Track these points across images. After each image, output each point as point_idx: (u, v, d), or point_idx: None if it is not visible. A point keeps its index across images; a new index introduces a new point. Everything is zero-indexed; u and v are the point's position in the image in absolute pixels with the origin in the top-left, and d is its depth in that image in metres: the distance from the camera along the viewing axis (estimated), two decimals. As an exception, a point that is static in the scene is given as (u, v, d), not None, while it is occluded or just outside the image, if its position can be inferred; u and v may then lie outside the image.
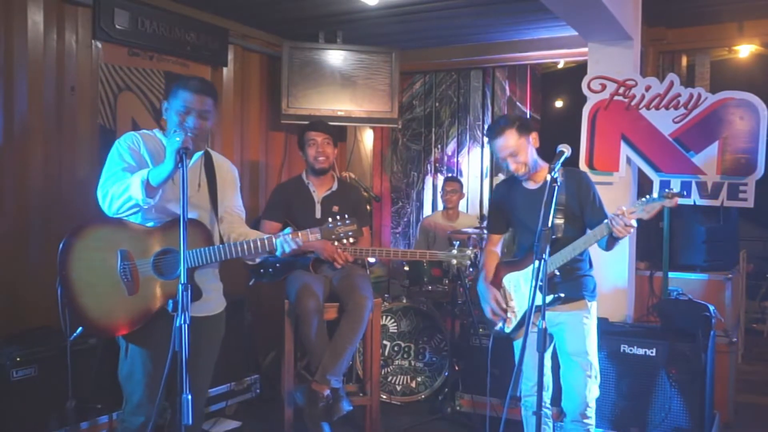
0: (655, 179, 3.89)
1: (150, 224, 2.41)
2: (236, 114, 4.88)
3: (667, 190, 2.43)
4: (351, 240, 2.49)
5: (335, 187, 3.80)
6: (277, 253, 2.45)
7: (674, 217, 4.05)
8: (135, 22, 3.98)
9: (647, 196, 2.47)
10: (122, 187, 2.27)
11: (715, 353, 3.57)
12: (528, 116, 5.58)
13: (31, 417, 2.93)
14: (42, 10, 3.55)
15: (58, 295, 2.33)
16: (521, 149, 2.78)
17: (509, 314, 2.93)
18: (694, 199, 3.81)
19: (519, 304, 2.89)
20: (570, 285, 2.80)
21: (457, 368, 4.16)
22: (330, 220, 2.49)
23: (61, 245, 2.34)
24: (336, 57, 4.91)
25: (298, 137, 3.84)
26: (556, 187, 2.47)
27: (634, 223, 2.51)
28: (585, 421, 2.80)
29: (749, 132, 3.70)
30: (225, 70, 4.72)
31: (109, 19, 3.84)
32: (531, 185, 2.88)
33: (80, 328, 2.38)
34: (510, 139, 2.77)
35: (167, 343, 2.33)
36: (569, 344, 2.82)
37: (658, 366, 3.32)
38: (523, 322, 2.85)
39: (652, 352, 3.35)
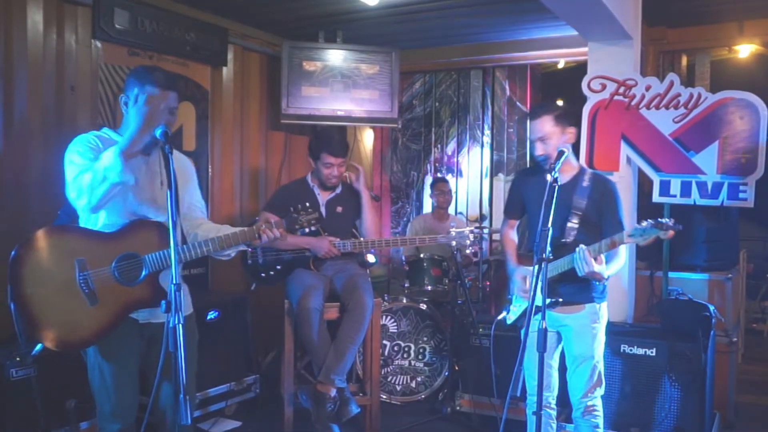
0: (655, 179, 3.89)
1: (109, 229, 2.29)
2: (236, 114, 4.88)
3: (665, 221, 2.39)
4: (314, 228, 2.46)
5: (339, 190, 3.81)
6: (261, 242, 2.36)
7: (674, 217, 4.03)
8: (135, 21, 3.98)
9: (646, 222, 2.43)
10: (93, 172, 2.13)
11: (715, 353, 3.57)
12: (528, 116, 5.58)
13: (31, 417, 2.93)
14: (42, 10, 3.55)
15: (11, 312, 2.18)
16: (552, 137, 2.72)
17: (512, 305, 2.93)
18: (694, 198, 3.81)
19: (517, 300, 2.88)
20: (574, 288, 2.74)
21: (457, 368, 4.16)
22: (292, 209, 2.42)
23: (10, 258, 2.18)
24: (336, 57, 4.91)
25: (311, 146, 3.78)
26: (556, 188, 2.46)
27: (595, 268, 2.51)
28: (594, 412, 2.79)
29: (749, 132, 3.69)
30: (225, 69, 4.72)
31: (108, 18, 3.83)
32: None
33: (40, 345, 2.22)
34: (545, 125, 2.72)
35: (131, 351, 2.31)
36: (575, 347, 2.80)
37: (658, 366, 3.32)
38: (524, 315, 2.85)
39: (652, 352, 3.35)
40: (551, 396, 2.89)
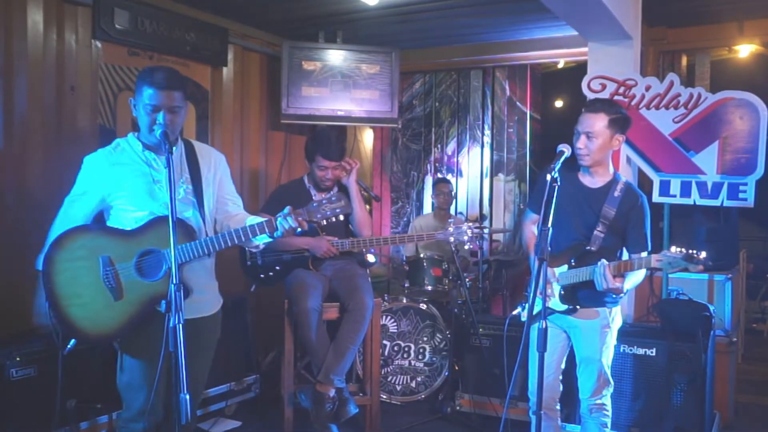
0: (655, 179, 3.89)
1: (131, 226, 2.33)
2: (236, 114, 4.88)
3: (696, 255, 2.37)
4: (341, 218, 2.40)
5: (335, 190, 3.80)
6: (277, 234, 2.32)
7: (674, 217, 4.05)
8: (135, 21, 3.98)
9: (677, 251, 2.40)
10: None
11: (715, 353, 3.57)
12: (528, 116, 5.58)
13: (31, 417, 2.93)
14: (42, 10, 3.55)
15: (47, 309, 2.27)
16: (599, 137, 2.67)
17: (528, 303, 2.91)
18: (694, 199, 3.82)
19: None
20: (589, 293, 2.71)
21: (457, 368, 4.16)
22: (314, 198, 2.38)
23: (43, 259, 2.29)
24: (336, 57, 4.91)
25: (307, 147, 3.77)
26: (556, 188, 2.45)
27: (612, 285, 2.52)
28: (603, 410, 2.76)
29: (749, 132, 3.70)
30: (225, 70, 4.72)
31: (108, 18, 3.84)
32: (587, 181, 2.80)
33: (73, 340, 2.31)
34: (598, 122, 2.66)
35: (161, 348, 2.31)
36: (583, 349, 2.78)
37: (658, 366, 3.32)
38: (536, 315, 2.80)
39: (652, 352, 3.35)
40: (556, 395, 2.87)
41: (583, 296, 2.73)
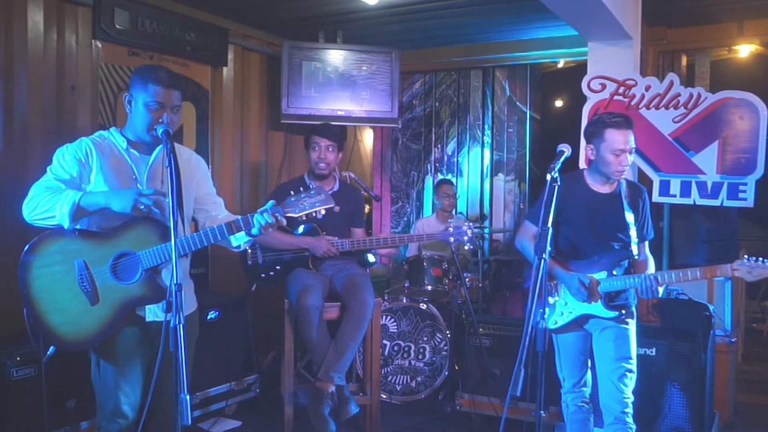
0: (655, 179, 3.90)
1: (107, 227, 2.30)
2: (236, 114, 4.88)
3: None
4: (322, 212, 2.31)
5: (336, 188, 3.80)
6: (254, 231, 2.27)
7: (674, 216, 4.05)
8: (135, 22, 3.98)
9: (758, 260, 2.47)
10: (50, 203, 2.20)
11: (715, 353, 3.57)
12: (528, 116, 5.58)
13: (31, 417, 2.93)
14: (42, 10, 3.55)
15: (24, 316, 2.26)
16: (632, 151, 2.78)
17: (560, 310, 2.89)
18: (694, 198, 3.82)
19: (570, 306, 2.83)
20: (624, 294, 2.80)
21: (457, 368, 4.16)
22: (292, 193, 2.30)
23: (19, 265, 2.25)
24: (336, 57, 4.91)
25: (305, 136, 3.81)
26: (557, 188, 2.45)
27: (660, 291, 2.60)
28: (627, 420, 2.76)
29: (749, 131, 3.70)
30: (225, 70, 4.73)
31: (109, 18, 3.84)
32: (599, 188, 2.84)
33: (52, 347, 2.29)
34: (632, 137, 2.75)
35: (135, 350, 2.33)
36: (616, 349, 2.76)
37: (658, 366, 3.32)
38: (571, 322, 2.83)
39: (652, 352, 3.35)
40: (587, 391, 2.90)
41: (622, 300, 2.79)
